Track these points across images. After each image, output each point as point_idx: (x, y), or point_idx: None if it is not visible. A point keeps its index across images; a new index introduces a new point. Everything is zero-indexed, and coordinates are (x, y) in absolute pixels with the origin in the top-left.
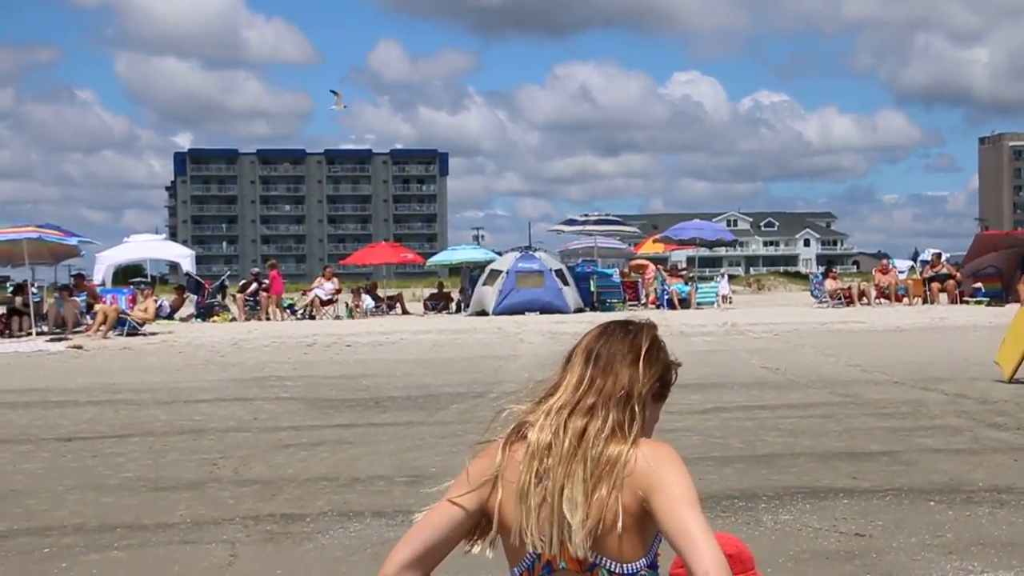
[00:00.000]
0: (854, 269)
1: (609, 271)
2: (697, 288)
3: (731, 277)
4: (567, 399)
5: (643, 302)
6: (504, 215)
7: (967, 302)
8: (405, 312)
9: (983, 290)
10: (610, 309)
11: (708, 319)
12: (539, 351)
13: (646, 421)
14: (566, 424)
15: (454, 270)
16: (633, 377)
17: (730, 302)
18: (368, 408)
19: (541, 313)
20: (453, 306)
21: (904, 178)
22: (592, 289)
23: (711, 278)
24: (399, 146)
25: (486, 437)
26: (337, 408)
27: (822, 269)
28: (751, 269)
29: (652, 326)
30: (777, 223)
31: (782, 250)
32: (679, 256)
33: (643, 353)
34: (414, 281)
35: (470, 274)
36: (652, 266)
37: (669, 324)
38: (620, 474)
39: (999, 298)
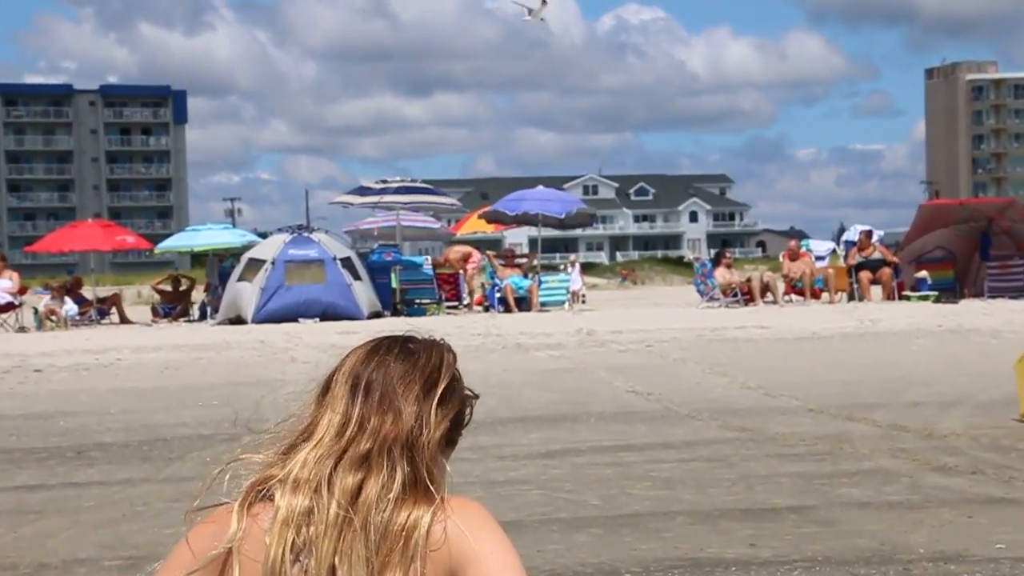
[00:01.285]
0: (759, 252)
1: (418, 260)
2: (540, 282)
3: (588, 267)
4: (329, 446)
5: (465, 302)
6: (270, 180)
7: (908, 297)
8: (124, 320)
9: (929, 281)
10: (420, 313)
11: (556, 326)
12: (319, 374)
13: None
14: (331, 480)
15: (197, 259)
16: (422, 416)
17: (584, 301)
18: (66, 461)
19: (322, 320)
20: (195, 311)
21: (824, 126)
22: (394, 286)
23: (560, 268)
24: (113, 80)
25: (207, 500)
26: (19, 462)
27: (712, 254)
28: (618, 254)
29: (442, 345)
30: (652, 190)
31: (660, 228)
32: (516, 238)
33: (437, 383)
34: (138, 275)
35: (220, 265)
36: (477, 253)
37: (502, 333)
38: (420, 548)
39: (951, 291)
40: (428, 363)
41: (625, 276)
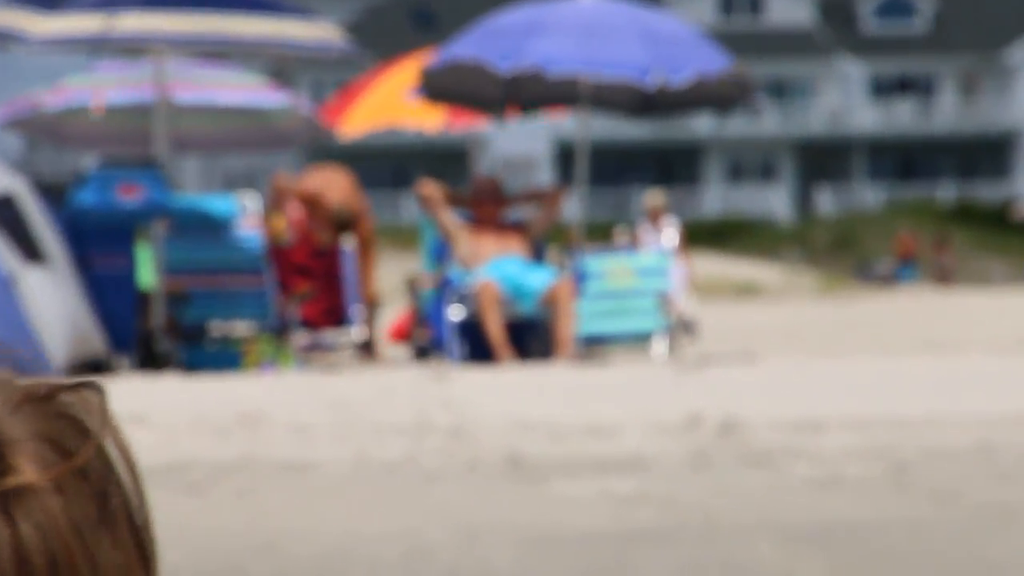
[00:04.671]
0: None
1: (219, 206)
2: (582, 276)
3: (729, 233)
4: None
5: (359, 335)
6: None
7: None
8: None
9: None
10: (227, 362)
11: (626, 404)
12: None
13: None
14: None
15: None
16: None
17: (690, 330)
18: None
19: None
20: None
21: None
22: (149, 284)
23: (624, 237)
24: None
25: None
26: None
27: None
28: (821, 199)
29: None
30: (925, 9)
31: (947, 117)
32: (516, 144)
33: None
34: None
35: None
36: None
37: (466, 424)
38: None
39: None
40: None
41: (904, 255)
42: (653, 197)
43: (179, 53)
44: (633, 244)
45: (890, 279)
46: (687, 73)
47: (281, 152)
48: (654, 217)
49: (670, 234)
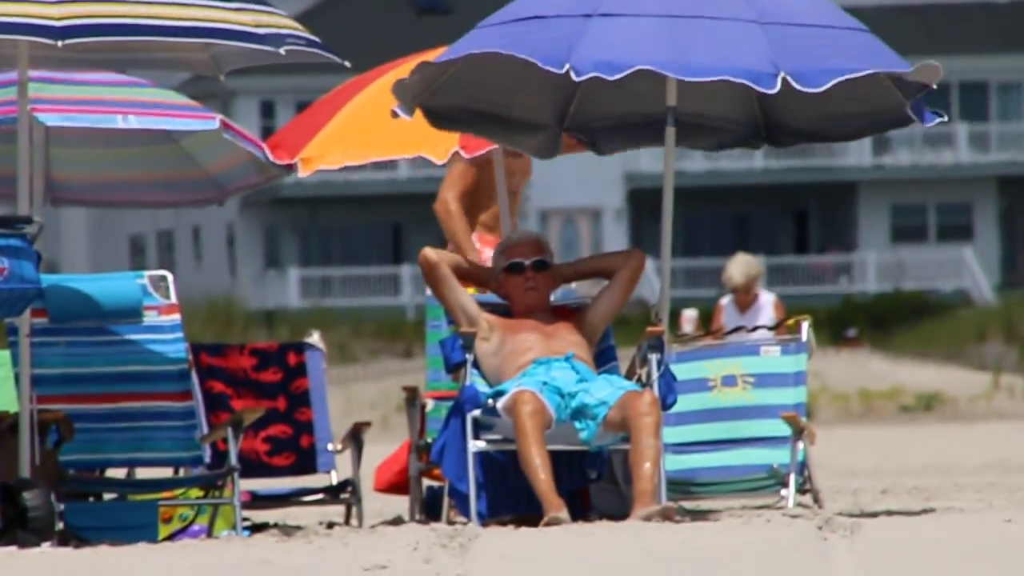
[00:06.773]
0: None
1: (121, 290)
2: (668, 391)
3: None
4: None
5: (335, 478)
6: None
7: None
8: None
9: None
10: (134, 524)
11: None
12: None
13: None
14: None
15: None
16: None
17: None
18: None
19: None
20: None
21: None
22: (7, 409)
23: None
24: None
25: None
26: None
27: None
28: None
29: None
30: None
31: None
32: (567, 187)
33: None
34: None
35: None
36: None
37: None
38: None
39: None
40: None
41: None
42: (741, 267)
43: (54, 55)
44: (712, 333)
45: None
46: (828, 76)
47: (212, 205)
48: (743, 295)
49: (805, 328)
